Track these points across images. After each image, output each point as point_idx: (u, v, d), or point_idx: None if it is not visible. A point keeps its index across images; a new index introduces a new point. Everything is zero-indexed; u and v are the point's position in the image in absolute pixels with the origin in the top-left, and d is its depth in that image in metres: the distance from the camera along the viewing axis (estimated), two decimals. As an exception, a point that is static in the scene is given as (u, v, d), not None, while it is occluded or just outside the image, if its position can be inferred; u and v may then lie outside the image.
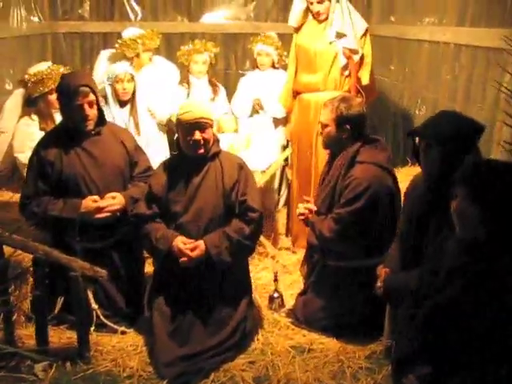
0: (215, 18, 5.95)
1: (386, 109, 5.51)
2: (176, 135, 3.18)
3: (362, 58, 4.10)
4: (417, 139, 2.67)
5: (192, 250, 2.99)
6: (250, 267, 4.02)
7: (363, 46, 4.12)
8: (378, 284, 2.74)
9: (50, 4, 5.63)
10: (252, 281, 3.82)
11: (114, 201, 3.15)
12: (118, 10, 5.81)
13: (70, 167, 3.10)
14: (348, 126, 3.14)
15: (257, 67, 4.97)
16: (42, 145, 3.14)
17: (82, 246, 3.15)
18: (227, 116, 4.39)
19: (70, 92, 3.03)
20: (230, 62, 5.91)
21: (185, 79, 4.89)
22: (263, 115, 4.67)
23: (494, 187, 1.91)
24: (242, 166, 3.16)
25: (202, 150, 3.05)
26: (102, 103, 4.08)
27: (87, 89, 3.03)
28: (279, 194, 4.93)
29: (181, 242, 3.00)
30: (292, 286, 3.83)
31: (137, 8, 5.78)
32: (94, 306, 3.19)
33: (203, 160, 3.10)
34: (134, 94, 4.11)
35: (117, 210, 3.16)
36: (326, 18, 4.09)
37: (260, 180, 3.93)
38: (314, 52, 4.14)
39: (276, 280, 3.56)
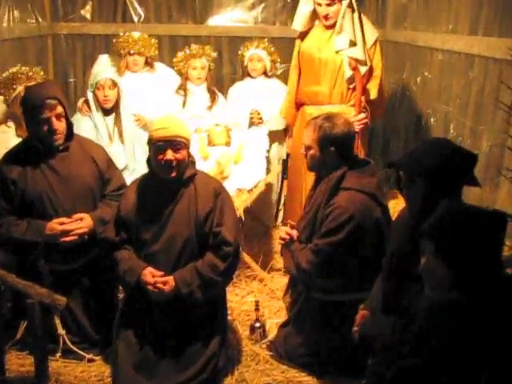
0: (221, 21, 5.68)
1: (398, 118, 5.21)
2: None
3: (370, 70, 3.77)
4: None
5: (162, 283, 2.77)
6: (236, 291, 3.82)
7: (373, 57, 3.79)
8: (355, 328, 2.45)
9: (51, 5, 5.46)
10: (236, 305, 3.61)
11: (81, 223, 2.92)
12: (121, 12, 5.61)
13: (34, 186, 2.88)
14: (332, 148, 2.83)
15: (248, 75, 4.66)
16: (5, 162, 2.93)
17: (48, 268, 2.96)
18: (218, 128, 4.11)
19: (36, 105, 2.80)
20: (236, 66, 5.63)
21: (182, 86, 4.65)
22: (259, 127, 4.38)
23: (465, 244, 1.61)
24: (218, 193, 2.87)
25: (174, 174, 2.77)
26: (88, 112, 3.90)
27: (54, 101, 2.81)
28: (278, 209, 4.66)
29: (149, 275, 2.77)
30: (279, 313, 3.56)
31: (140, 10, 5.56)
32: (61, 331, 2.99)
33: (176, 183, 2.83)
34: (117, 101, 3.86)
35: (84, 233, 2.93)
36: (334, 24, 3.76)
37: (247, 200, 3.66)
38: (320, 61, 3.83)
39: (257, 309, 3.29)
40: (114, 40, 4.52)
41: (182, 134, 2.78)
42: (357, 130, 3.68)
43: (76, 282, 3.06)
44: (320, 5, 3.75)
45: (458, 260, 1.65)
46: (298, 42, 4.04)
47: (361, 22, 3.75)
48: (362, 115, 3.73)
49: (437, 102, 4.36)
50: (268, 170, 4.23)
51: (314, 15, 3.90)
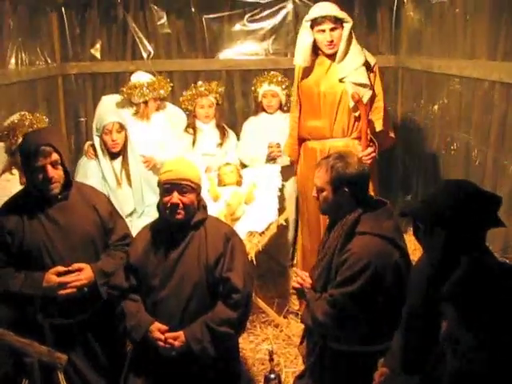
0: (232, 54, 5.58)
1: (416, 148, 5.02)
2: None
3: (372, 99, 3.61)
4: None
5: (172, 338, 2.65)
6: (250, 337, 3.64)
7: (373, 83, 3.64)
8: (373, 389, 2.24)
9: (61, 46, 5.42)
10: (250, 354, 3.44)
11: (80, 275, 2.77)
12: (130, 49, 5.53)
13: (32, 237, 2.74)
14: (346, 189, 2.63)
15: (263, 110, 4.53)
16: (2, 212, 2.80)
17: (48, 323, 2.81)
18: (229, 167, 3.97)
19: (31, 152, 2.68)
20: (249, 99, 5.51)
21: (190, 125, 4.54)
22: (272, 165, 4.20)
23: (492, 311, 1.41)
24: (229, 238, 2.75)
25: (179, 216, 2.68)
26: (93, 155, 3.78)
27: (49, 148, 2.67)
28: (294, 248, 4.47)
29: (157, 331, 2.65)
30: (296, 361, 3.40)
31: (149, 46, 5.49)
32: (66, 387, 2.84)
33: (186, 228, 2.73)
34: (125, 144, 3.73)
35: (83, 285, 2.77)
36: (335, 54, 3.64)
37: (258, 243, 3.49)
38: (318, 94, 3.68)
39: (271, 359, 3.10)
40: (123, 89, 4.39)
41: (190, 177, 2.69)
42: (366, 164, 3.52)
43: (79, 337, 2.90)
44: (324, 31, 3.62)
45: (483, 329, 1.45)
46: (296, 77, 3.89)
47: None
48: (370, 149, 3.55)
49: (456, 130, 4.17)
50: (283, 208, 4.07)
51: (314, 48, 3.76)
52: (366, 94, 3.55)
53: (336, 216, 2.73)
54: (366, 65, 3.65)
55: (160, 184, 2.72)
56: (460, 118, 4.13)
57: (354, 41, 3.62)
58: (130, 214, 3.76)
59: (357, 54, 3.63)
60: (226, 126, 4.63)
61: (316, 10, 3.64)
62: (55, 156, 2.71)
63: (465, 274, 1.55)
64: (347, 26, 3.60)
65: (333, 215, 2.77)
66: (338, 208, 2.69)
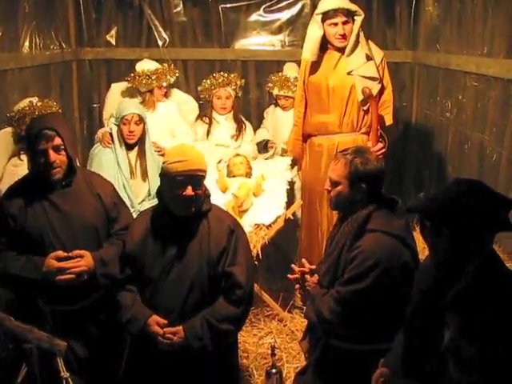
0: (247, 45, 5.53)
1: (430, 146, 4.95)
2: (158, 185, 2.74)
3: (381, 94, 3.56)
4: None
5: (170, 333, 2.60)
6: (254, 331, 3.62)
7: (382, 78, 3.59)
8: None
9: (76, 31, 5.41)
10: (252, 348, 3.42)
11: (80, 261, 2.75)
12: (146, 36, 5.51)
13: (34, 221, 2.73)
14: (363, 185, 2.58)
15: (278, 106, 4.57)
16: (6, 196, 2.80)
17: (50, 308, 2.81)
18: (238, 158, 3.94)
19: (33, 135, 2.68)
20: (263, 90, 5.46)
21: (207, 114, 4.52)
22: (283, 157, 4.18)
23: (497, 323, 1.36)
24: (232, 230, 2.67)
25: (193, 209, 2.59)
26: (110, 144, 3.76)
27: (52, 132, 2.66)
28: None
29: (155, 324, 2.60)
30: (298, 356, 3.37)
31: (164, 34, 5.46)
32: (65, 374, 2.81)
33: (188, 219, 2.64)
34: (142, 136, 3.70)
35: (82, 271, 2.75)
36: (344, 47, 3.59)
37: (265, 236, 3.46)
38: (327, 89, 3.64)
39: (274, 354, 3.07)
40: (129, 78, 4.40)
41: (202, 167, 2.61)
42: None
43: (79, 324, 2.88)
44: (336, 24, 3.57)
45: (486, 341, 1.40)
46: (302, 72, 3.84)
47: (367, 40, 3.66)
48: (380, 145, 3.51)
49: (471, 129, 4.10)
50: (292, 202, 4.03)
51: (323, 42, 3.71)
52: (374, 88, 3.52)
53: (347, 211, 2.68)
54: (368, 59, 3.59)
55: (170, 175, 2.56)
56: (475, 117, 4.06)
57: (361, 34, 3.58)
58: (142, 201, 3.72)
59: (364, 47, 3.58)
60: (243, 119, 4.61)
61: (328, 3, 3.59)
62: (58, 140, 2.69)
63: (469, 285, 1.50)
64: (358, 19, 3.56)
65: (344, 210, 2.72)
66: (350, 203, 2.64)
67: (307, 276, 2.80)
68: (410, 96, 5.44)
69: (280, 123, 4.56)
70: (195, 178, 2.55)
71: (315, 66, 3.71)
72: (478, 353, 1.41)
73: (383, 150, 3.51)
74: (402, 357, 2.16)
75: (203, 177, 2.61)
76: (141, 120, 3.66)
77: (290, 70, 4.64)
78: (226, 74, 4.51)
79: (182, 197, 2.54)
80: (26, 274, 2.72)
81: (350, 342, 2.60)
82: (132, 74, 4.42)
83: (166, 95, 4.47)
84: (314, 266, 2.84)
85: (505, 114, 3.63)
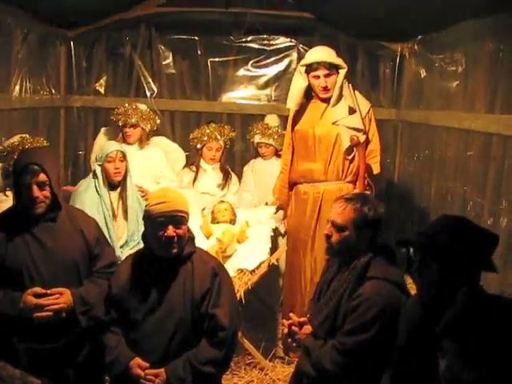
0: (234, 98, 5.64)
1: (412, 201, 5.00)
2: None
3: (367, 144, 3.63)
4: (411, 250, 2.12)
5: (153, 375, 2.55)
6: (234, 379, 3.53)
7: (368, 127, 3.66)
8: None
9: (66, 79, 5.48)
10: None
11: (58, 299, 2.69)
12: (134, 87, 5.59)
13: (14, 254, 2.68)
14: (370, 231, 2.56)
15: (259, 156, 4.64)
16: (-13, 228, 2.76)
17: (25, 346, 2.71)
18: (223, 205, 3.96)
19: (18, 170, 2.67)
20: (248, 144, 5.52)
21: (195, 163, 4.56)
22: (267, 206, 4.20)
23: (497, 342, 1.34)
24: (216, 273, 2.67)
25: (175, 250, 2.60)
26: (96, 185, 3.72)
27: (37, 167, 2.65)
28: (284, 291, 4.38)
29: (137, 367, 2.56)
30: (279, 406, 3.24)
31: (153, 85, 5.55)
32: (42, 412, 2.71)
33: (173, 261, 2.64)
34: (125, 175, 3.71)
35: (60, 309, 2.68)
36: (329, 98, 3.67)
37: (248, 281, 3.42)
38: (314, 137, 3.71)
39: (254, 402, 2.98)
40: (114, 111, 4.48)
41: (183, 208, 2.63)
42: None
43: (54, 363, 2.76)
44: (318, 77, 3.67)
45: (485, 365, 1.36)
46: (289, 120, 3.93)
47: (354, 92, 3.72)
48: (367, 193, 3.54)
49: (453, 182, 4.16)
50: (275, 248, 4.02)
51: (306, 92, 3.81)
52: (360, 138, 3.56)
53: (346, 259, 2.62)
54: (351, 111, 3.66)
55: (151, 217, 2.60)
56: (457, 170, 4.13)
57: (350, 85, 3.66)
58: (122, 247, 3.69)
59: (348, 99, 3.65)
60: (229, 170, 4.66)
61: (311, 56, 3.69)
62: (43, 176, 2.68)
63: (462, 309, 1.48)
64: (342, 72, 3.65)
65: (342, 257, 2.65)
66: (352, 250, 2.58)
67: (295, 328, 2.71)
68: (393, 153, 5.54)
69: (262, 174, 4.61)
70: (176, 218, 2.59)
71: (302, 115, 3.79)
72: (476, 379, 1.38)
73: (371, 198, 3.54)
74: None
75: (184, 218, 2.63)
76: (124, 157, 3.70)
77: (271, 120, 4.74)
78: (219, 126, 4.58)
79: (164, 238, 2.56)
80: (3, 310, 2.65)
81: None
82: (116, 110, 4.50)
83: (143, 142, 4.49)
84: (302, 319, 2.74)
85: (486, 166, 3.71)
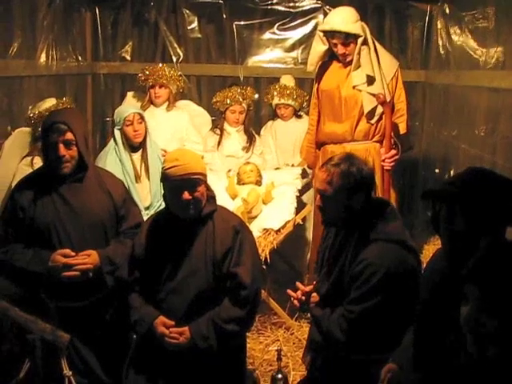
0: (260, 62, 5.58)
1: (438, 167, 4.93)
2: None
3: (393, 104, 3.57)
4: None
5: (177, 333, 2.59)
6: (260, 338, 3.58)
7: (394, 90, 3.60)
8: (380, 384, 2.14)
9: (92, 45, 5.50)
10: (258, 354, 3.37)
11: (86, 259, 2.75)
12: (160, 52, 5.59)
13: (42, 215, 2.74)
14: (362, 193, 2.44)
15: (277, 117, 4.62)
16: (17, 188, 2.83)
17: (54, 304, 2.81)
18: (249, 166, 3.96)
19: (45, 128, 2.71)
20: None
21: (219, 126, 4.57)
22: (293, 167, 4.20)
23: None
24: (238, 231, 2.66)
25: (192, 211, 2.60)
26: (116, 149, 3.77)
27: (63, 126, 2.68)
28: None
29: (161, 325, 2.59)
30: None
31: (179, 50, 5.53)
32: (68, 372, 2.79)
33: (194, 221, 2.64)
34: (145, 137, 3.74)
35: (87, 268, 2.75)
36: (352, 60, 3.62)
37: (273, 241, 3.44)
38: (339, 98, 3.66)
39: (280, 359, 3.02)
40: (139, 74, 4.48)
41: (198, 169, 2.59)
42: (388, 168, 3.47)
43: (83, 322, 2.86)
44: (336, 45, 3.61)
45: (508, 313, 1.35)
46: (315, 80, 3.88)
47: (377, 56, 3.63)
48: (393, 151, 3.50)
49: (481, 150, 4.06)
50: (301, 207, 4.02)
51: (328, 54, 3.77)
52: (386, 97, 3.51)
53: (342, 225, 2.54)
54: (369, 79, 3.59)
55: (167, 180, 2.58)
56: (486, 130, 4.04)
57: (373, 50, 3.57)
58: (147, 208, 3.75)
59: (374, 65, 3.59)
60: (254, 133, 4.65)
61: (328, 22, 3.61)
62: (69, 135, 2.71)
63: (487, 250, 1.47)
64: (359, 41, 3.57)
65: (340, 225, 2.56)
66: (346, 216, 2.48)
67: (302, 297, 2.63)
68: (421, 115, 5.45)
69: (283, 135, 4.61)
70: (190, 181, 2.55)
71: (328, 75, 3.74)
72: (498, 325, 1.37)
73: (396, 157, 3.52)
74: (414, 353, 2.10)
75: (200, 179, 2.59)
76: (142, 119, 3.71)
77: (287, 80, 4.71)
78: (241, 89, 4.57)
79: (181, 200, 2.55)
80: (33, 268, 2.72)
81: (362, 354, 2.44)
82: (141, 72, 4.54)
83: (171, 104, 4.51)
84: (308, 288, 2.65)
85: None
